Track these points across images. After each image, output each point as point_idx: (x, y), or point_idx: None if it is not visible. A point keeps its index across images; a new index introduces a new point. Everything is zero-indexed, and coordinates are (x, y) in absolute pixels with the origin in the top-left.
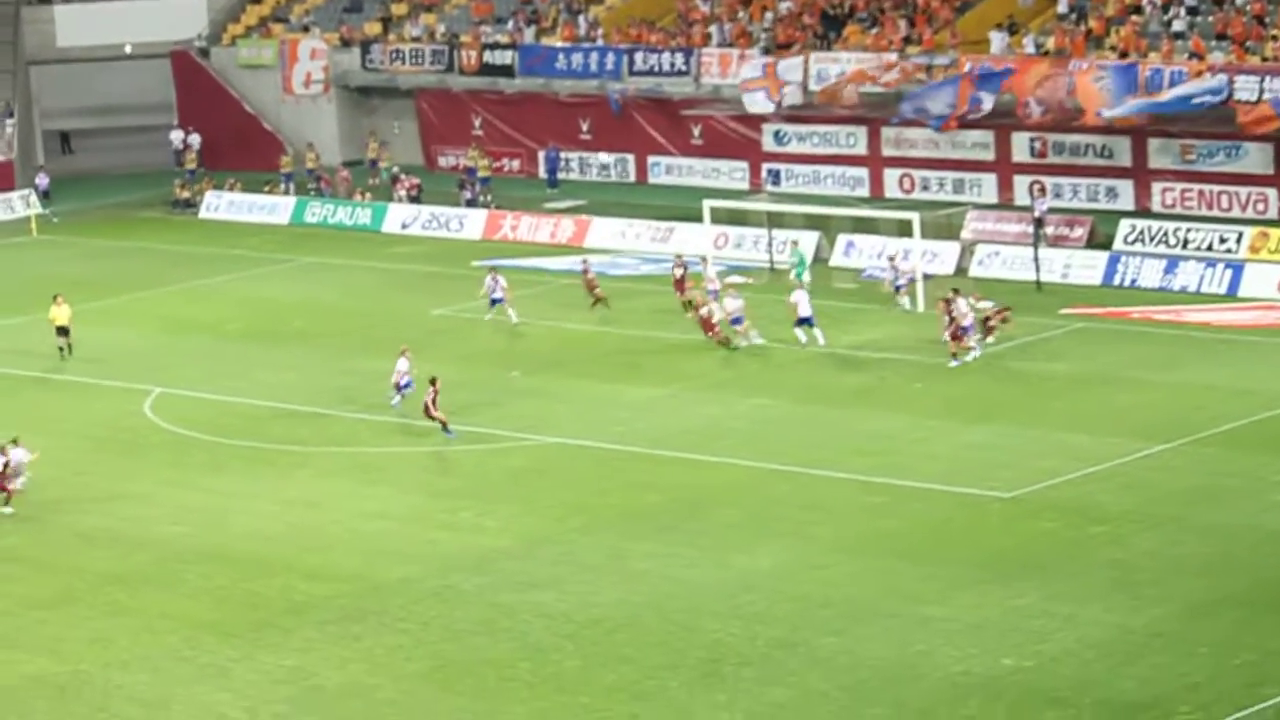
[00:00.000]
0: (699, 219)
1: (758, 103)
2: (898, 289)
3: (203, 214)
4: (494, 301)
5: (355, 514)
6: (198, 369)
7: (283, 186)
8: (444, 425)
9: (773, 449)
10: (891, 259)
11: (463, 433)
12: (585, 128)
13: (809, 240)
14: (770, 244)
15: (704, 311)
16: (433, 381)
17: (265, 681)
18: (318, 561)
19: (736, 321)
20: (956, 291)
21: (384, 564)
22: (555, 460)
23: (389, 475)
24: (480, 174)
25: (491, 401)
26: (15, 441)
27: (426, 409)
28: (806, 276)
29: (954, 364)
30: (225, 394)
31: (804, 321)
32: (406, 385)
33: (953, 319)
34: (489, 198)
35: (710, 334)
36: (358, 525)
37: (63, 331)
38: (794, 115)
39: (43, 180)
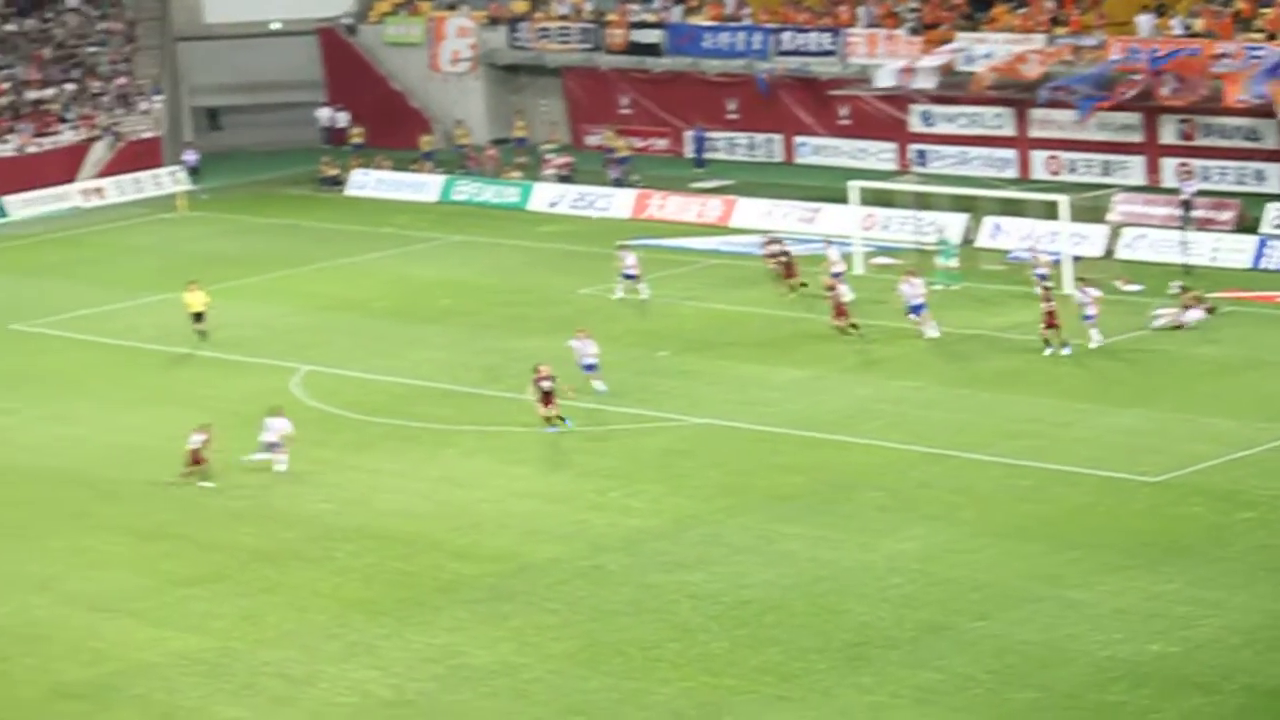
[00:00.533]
0: (845, 199)
1: (887, 76)
2: (1041, 277)
3: (350, 191)
4: (627, 277)
5: (503, 493)
6: (345, 347)
7: (426, 165)
8: (548, 420)
9: (920, 431)
10: (1032, 248)
11: (611, 414)
12: (732, 107)
13: (957, 223)
14: (917, 225)
15: (834, 294)
16: (537, 369)
17: (413, 659)
18: (466, 540)
19: (916, 310)
20: (1084, 281)
21: (532, 544)
22: (703, 441)
23: (536, 454)
24: (619, 154)
25: (639, 382)
26: (277, 411)
27: (542, 397)
28: (955, 263)
29: (1048, 351)
30: (372, 372)
31: (916, 309)
32: (591, 368)
33: (1049, 301)
34: (634, 177)
35: (840, 319)
36: (506, 504)
37: (198, 317)
38: (941, 96)
39: (191, 157)
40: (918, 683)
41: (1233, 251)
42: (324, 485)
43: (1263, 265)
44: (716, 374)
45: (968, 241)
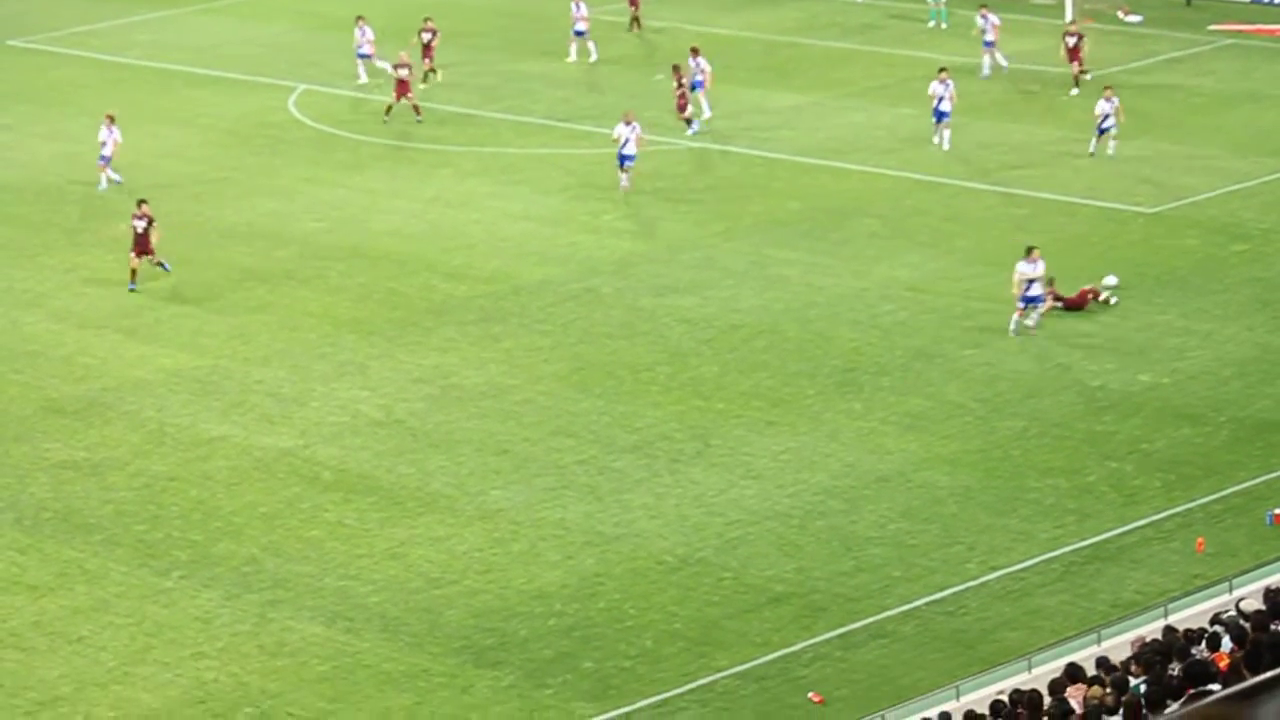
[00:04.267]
0: None
1: None
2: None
3: None
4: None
5: (497, 215)
6: (343, 66)
7: None
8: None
9: (916, 159)
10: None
11: (607, 137)
12: None
13: None
14: None
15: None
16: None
17: (403, 379)
18: (459, 262)
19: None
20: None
21: (525, 265)
22: (698, 164)
23: (531, 177)
24: None
25: (636, 104)
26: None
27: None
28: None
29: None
30: (369, 92)
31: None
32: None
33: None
34: None
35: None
36: (499, 226)
37: None
38: None
39: None
40: (907, 409)
41: None
42: (318, 204)
43: None
44: (713, 98)
45: None
